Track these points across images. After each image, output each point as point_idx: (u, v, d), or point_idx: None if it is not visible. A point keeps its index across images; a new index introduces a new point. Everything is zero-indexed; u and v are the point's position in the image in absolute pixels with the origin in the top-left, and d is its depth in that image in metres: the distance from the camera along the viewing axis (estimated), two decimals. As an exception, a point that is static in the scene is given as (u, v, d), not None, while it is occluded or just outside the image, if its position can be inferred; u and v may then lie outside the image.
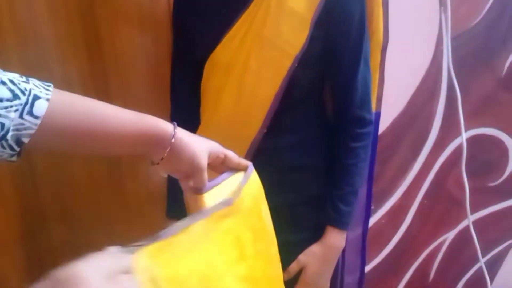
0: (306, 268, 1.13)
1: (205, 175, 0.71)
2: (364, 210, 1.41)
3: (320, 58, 1.03)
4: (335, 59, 1.05)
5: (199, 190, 0.72)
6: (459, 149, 1.66)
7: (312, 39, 0.99)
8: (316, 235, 1.13)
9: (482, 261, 1.84)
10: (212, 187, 0.73)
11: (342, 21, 1.02)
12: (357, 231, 1.42)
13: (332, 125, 1.13)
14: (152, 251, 0.51)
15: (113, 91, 1.29)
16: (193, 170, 0.70)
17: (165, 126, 0.68)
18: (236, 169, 0.79)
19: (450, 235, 1.83)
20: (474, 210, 1.79)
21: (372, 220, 1.72)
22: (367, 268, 1.78)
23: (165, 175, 0.87)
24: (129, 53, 1.30)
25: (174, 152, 0.68)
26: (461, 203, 1.74)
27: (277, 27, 0.99)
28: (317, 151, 1.13)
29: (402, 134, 1.62)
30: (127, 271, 0.47)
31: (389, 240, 1.78)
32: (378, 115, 1.31)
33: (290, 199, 1.11)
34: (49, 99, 0.56)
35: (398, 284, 1.87)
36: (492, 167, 1.76)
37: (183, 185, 0.74)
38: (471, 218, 1.78)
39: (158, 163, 0.70)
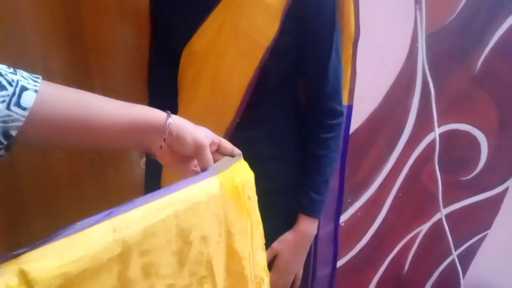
0: (280, 255, 1.16)
1: (209, 152, 0.71)
2: (336, 204, 1.44)
3: (293, 50, 1.06)
4: (307, 50, 1.08)
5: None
6: (432, 144, 1.70)
7: (284, 31, 1.01)
8: (289, 223, 1.16)
9: (454, 254, 1.89)
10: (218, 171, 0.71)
11: (313, 13, 1.05)
12: (330, 225, 1.45)
13: (304, 116, 1.17)
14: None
15: (96, 84, 1.30)
16: (197, 149, 0.69)
17: (158, 113, 0.68)
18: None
19: (424, 228, 1.88)
20: (447, 203, 1.84)
21: (349, 213, 1.76)
22: (344, 260, 1.83)
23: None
24: (111, 46, 1.32)
25: (175, 136, 0.68)
26: (435, 197, 1.78)
27: (250, 18, 1.01)
28: (290, 142, 1.16)
29: (378, 128, 1.66)
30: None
31: (365, 232, 1.83)
32: (350, 108, 1.34)
33: (264, 188, 1.13)
34: (37, 90, 0.54)
35: (373, 275, 1.92)
36: (465, 162, 1.81)
37: (183, 170, 0.73)
38: (445, 211, 1.83)
39: (157, 154, 0.69)
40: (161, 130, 0.67)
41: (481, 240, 1.97)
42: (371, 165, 1.72)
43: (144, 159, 1.41)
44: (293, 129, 1.17)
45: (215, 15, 1.05)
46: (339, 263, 1.81)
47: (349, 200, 1.75)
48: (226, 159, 0.76)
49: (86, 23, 1.25)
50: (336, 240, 1.46)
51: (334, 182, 1.40)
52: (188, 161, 0.74)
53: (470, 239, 1.96)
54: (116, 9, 1.30)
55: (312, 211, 1.15)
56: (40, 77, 0.57)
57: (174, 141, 0.68)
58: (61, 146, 0.72)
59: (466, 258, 1.98)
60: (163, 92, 1.20)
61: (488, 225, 1.95)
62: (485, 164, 1.82)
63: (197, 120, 1.08)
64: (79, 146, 0.71)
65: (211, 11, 1.05)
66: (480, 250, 1.99)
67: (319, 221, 1.36)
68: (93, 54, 1.28)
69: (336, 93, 1.15)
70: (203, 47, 1.07)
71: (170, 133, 0.67)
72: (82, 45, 1.26)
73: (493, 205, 1.92)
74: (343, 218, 1.75)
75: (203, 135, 0.71)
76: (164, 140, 0.67)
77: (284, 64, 1.08)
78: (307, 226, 1.16)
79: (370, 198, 1.76)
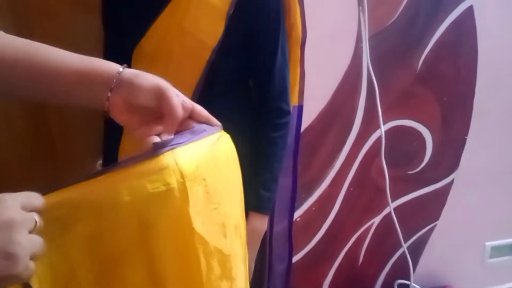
0: None
1: (177, 100, 0.62)
2: (290, 201, 1.49)
3: (240, 50, 1.12)
4: (254, 51, 1.13)
5: (167, 138, 0.60)
6: (380, 139, 1.78)
7: (230, 31, 1.06)
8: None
9: (404, 246, 1.98)
10: (185, 142, 0.62)
11: (258, 15, 1.10)
12: (284, 222, 1.50)
13: (254, 115, 1.22)
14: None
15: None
16: (159, 95, 0.61)
17: (111, 65, 0.63)
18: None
19: (376, 220, 1.96)
20: (396, 197, 1.93)
21: (303, 208, 1.82)
22: (300, 254, 1.89)
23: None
24: (62, 47, 1.34)
25: (126, 84, 0.61)
26: (384, 191, 1.87)
27: (196, 19, 1.06)
28: (241, 139, 1.21)
29: (327, 126, 1.73)
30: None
31: (319, 227, 1.89)
32: (300, 107, 1.40)
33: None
34: None
35: (329, 269, 1.98)
36: (411, 156, 1.90)
37: (144, 134, 0.62)
38: (394, 204, 1.92)
39: (109, 109, 0.61)
40: (110, 76, 0.61)
41: (430, 231, 2.07)
42: (322, 161, 1.78)
43: (100, 161, 1.43)
44: (244, 127, 1.21)
45: (163, 17, 1.09)
46: (296, 257, 1.87)
47: (303, 196, 1.81)
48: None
49: (35, 24, 1.27)
50: (290, 237, 1.51)
51: (287, 180, 1.45)
52: (151, 123, 0.63)
53: (420, 230, 2.05)
54: (67, 10, 1.32)
55: (261, 208, 1.20)
56: None
57: (126, 91, 0.61)
58: (12, 92, 0.62)
59: (417, 249, 2.08)
60: None
61: (436, 216, 2.05)
62: (431, 158, 1.91)
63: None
64: (31, 94, 0.63)
65: (160, 13, 1.09)
66: (429, 240, 2.08)
67: (273, 218, 1.42)
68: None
69: (283, 93, 1.20)
70: (152, 48, 1.11)
71: (120, 83, 0.60)
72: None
73: (440, 197, 2.02)
74: (298, 213, 1.81)
75: (169, 85, 0.63)
76: (111, 90, 0.61)
77: (231, 65, 1.12)
78: (257, 223, 1.21)
79: (323, 194, 1.83)
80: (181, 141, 0.61)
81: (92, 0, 1.30)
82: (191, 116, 0.67)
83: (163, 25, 1.09)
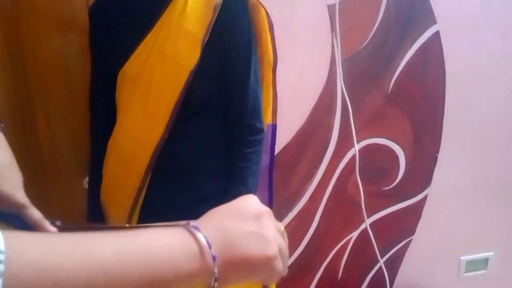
0: None
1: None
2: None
3: (215, 73, 1.22)
4: (227, 74, 1.24)
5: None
6: (354, 157, 1.88)
7: (205, 57, 1.17)
8: None
9: (381, 261, 2.06)
10: None
11: (231, 42, 1.21)
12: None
13: (229, 133, 1.31)
14: None
15: (37, 107, 1.41)
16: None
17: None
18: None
19: (354, 235, 2.04)
20: (372, 211, 2.01)
21: (284, 223, 1.90)
22: (281, 268, 1.96)
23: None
24: (52, 69, 1.44)
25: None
26: (361, 206, 1.96)
27: (175, 45, 1.17)
28: (216, 155, 1.31)
29: (305, 144, 1.83)
30: None
31: (300, 241, 1.97)
32: (274, 126, 1.50)
33: (192, 198, 1.27)
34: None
35: (310, 282, 2.05)
36: (385, 173, 2.00)
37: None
38: (370, 219, 2.00)
39: None
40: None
41: (407, 245, 2.14)
42: (301, 178, 1.88)
43: (86, 179, 1.51)
44: (219, 143, 1.31)
45: (145, 43, 1.20)
46: (277, 271, 1.94)
47: (283, 211, 1.89)
48: None
49: (27, 50, 1.37)
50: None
51: (263, 194, 1.54)
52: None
53: (396, 245, 2.13)
54: (56, 32, 1.42)
55: None
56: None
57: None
58: None
59: (394, 263, 2.15)
60: (105, 112, 1.32)
61: (411, 231, 2.13)
62: (404, 174, 2.01)
63: (129, 136, 1.23)
64: None
65: (142, 40, 1.20)
66: (406, 255, 2.16)
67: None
68: (34, 79, 1.39)
69: (256, 112, 1.30)
70: (134, 71, 1.21)
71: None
72: (23, 71, 1.38)
73: (415, 212, 2.10)
74: (278, 228, 1.89)
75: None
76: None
77: (207, 86, 1.23)
78: None
79: (302, 209, 1.92)
80: None
81: (81, 21, 1.41)
82: None
83: (144, 51, 1.20)
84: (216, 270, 0.44)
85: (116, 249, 0.40)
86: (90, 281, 0.37)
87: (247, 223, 0.49)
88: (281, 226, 0.55)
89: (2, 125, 0.70)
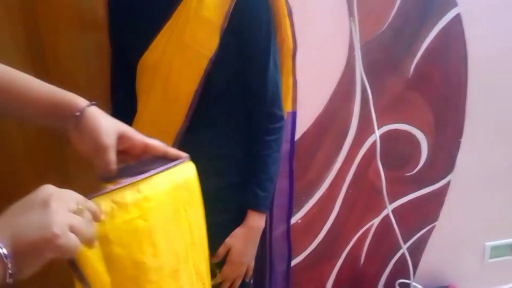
0: (232, 249, 1.29)
1: (109, 155, 0.71)
2: (287, 203, 1.57)
3: (234, 60, 1.22)
4: (247, 62, 1.23)
5: (105, 174, 0.71)
6: (375, 143, 1.87)
7: (224, 44, 1.17)
8: (239, 216, 1.30)
9: (404, 247, 2.05)
10: (133, 177, 0.70)
11: (251, 29, 1.21)
12: (283, 223, 1.58)
13: (249, 120, 1.31)
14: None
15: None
16: (96, 147, 0.70)
17: (77, 101, 0.71)
18: (166, 158, 0.78)
19: (376, 222, 2.03)
20: (394, 198, 2.00)
21: (304, 211, 1.90)
22: (302, 256, 1.96)
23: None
24: (72, 62, 1.45)
25: (79, 125, 0.70)
26: (382, 192, 1.94)
27: (194, 33, 1.17)
28: (236, 142, 1.31)
29: (324, 131, 1.82)
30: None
31: (320, 228, 1.97)
32: (294, 114, 1.49)
33: (214, 185, 1.27)
34: None
35: (332, 269, 2.05)
36: (407, 159, 1.98)
37: (96, 163, 0.73)
38: (392, 205, 1.99)
39: (71, 140, 0.71)
40: (70, 115, 0.70)
41: (430, 231, 2.13)
42: (321, 165, 1.87)
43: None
44: (239, 130, 1.31)
45: (164, 31, 1.20)
46: (299, 258, 1.95)
47: (303, 198, 1.89)
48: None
49: (46, 40, 1.38)
50: (289, 236, 1.59)
51: (284, 183, 1.54)
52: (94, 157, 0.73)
53: (419, 231, 2.11)
54: (75, 25, 1.43)
55: (258, 206, 1.29)
56: None
57: (78, 130, 0.70)
58: None
59: (417, 249, 2.14)
60: (124, 101, 1.33)
61: (434, 217, 2.11)
62: (426, 160, 1.99)
63: (150, 125, 1.23)
64: (4, 113, 0.73)
65: (161, 29, 1.20)
66: (429, 241, 2.14)
67: (272, 219, 1.51)
68: (54, 72, 1.41)
69: (276, 100, 1.30)
70: (154, 60, 1.22)
71: (77, 121, 0.70)
72: (44, 64, 1.39)
73: (438, 198, 2.08)
74: (299, 215, 1.89)
75: (109, 133, 0.72)
76: (71, 127, 0.70)
77: (227, 73, 1.23)
78: (255, 220, 1.30)
79: (322, 196, 1.91)
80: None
81: (99, 17, 1.42)
82: (146, 150, 0.78)
83: (163, 39, 1.20)
84: (9, 266, 0.49)
85: None
86: None
87: (31, 212, 0.53)
88: (88, 202, 0.60)
89: (94, 103, 0.74)
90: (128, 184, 0.67)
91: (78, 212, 0.56)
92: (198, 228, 0.85)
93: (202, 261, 0.88)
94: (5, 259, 0.49)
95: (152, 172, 0.72)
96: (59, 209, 0.53)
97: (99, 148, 0.70)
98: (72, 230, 0.53)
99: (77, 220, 0.55)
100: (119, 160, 0.73)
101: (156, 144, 0.78)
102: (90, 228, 0.57)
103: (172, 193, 0.76)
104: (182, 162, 0.80)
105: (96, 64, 1.46)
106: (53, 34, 1.41)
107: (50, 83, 1.42)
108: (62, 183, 0.59)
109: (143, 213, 0.68)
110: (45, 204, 0.53)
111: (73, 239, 0.53)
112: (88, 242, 0.57)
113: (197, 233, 0.84)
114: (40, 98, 0.71)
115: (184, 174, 0.81)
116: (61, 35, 1.43)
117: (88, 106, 0.72)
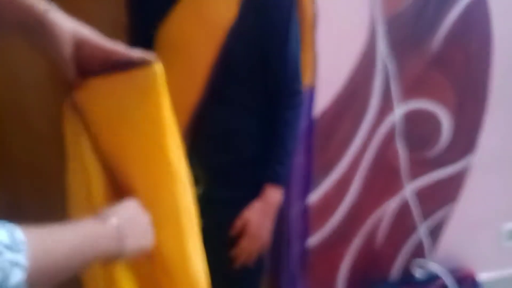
0: (249, 222, 1.28)
1: (66, 67, 0.71)
2: (305, 184, 1.56)
3: (253, 33, 1.20)
4: (267, 35, 1.21)
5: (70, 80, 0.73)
6: (395, 122, 1.84)
7: (243, 16, 1.15)
8: (250, 193, 1.29)
9: (421, 227, 2.03)
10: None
11: (270, 2, 1.19)
12: (301, 200, 1.57)
13: (268, 94, 1.29)
14: None
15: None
16: (55, 59, 0.70)
17: (38, 7, 0.67)
18: (130, 62, 0.75)
19: (393, 202, 2.00)
20: (413, 178, 1.97)
21: (321, 190, 1.88)
22: (319, 235, 1.95)
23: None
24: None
25: (36, 35, 0.68)
26: (401, 172, 1.92)
27: (212, 4, 1.16)
28: (254, 118, 1.29)
29: (344, 108, 1.79)
30: None
31: (337, 208, 1.95)
32: (313, 90, 1.47)
33: (227, 160, 1.27)
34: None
35: (348, 249, 2.04)
36: (427, 138, 1.94)
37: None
38: (412, 185, 1.97)
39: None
40: (31, 26, 0.68)
41: (448, 212, 2.10)
42: (339, 143, 1.85)
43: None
44: (260, 107, 1.29)
45: (181, 4, 1.18)
46: (315, 239, 1.94)
47: (321, 177, 1.87)
48: None
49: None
50: (306, 217, 1.58)
51: (302, 160, 1.52)
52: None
53: (437, 212, 2.08)
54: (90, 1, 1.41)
55: (275, 180, 1.28)
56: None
57: (38, 43, 0.70)
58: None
59: (436, 230, 2.11)
60: None
61: (453, 198, 2.08)
62: (447, 140, 1.95)
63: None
64: None
65: (177, 1, 1.18)
66: (447, 222, 2.11)
67: (289, 197, 1.50)
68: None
69: (295, 75, 1.28)
70: (172, 33, 1.20)
71: (34, 33, 0.68)
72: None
73: (457, 179, 2.05)
74: (316, 195, 1.87)
75: (62, 46, 0.70)
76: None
77: (246, 46, 1.21)
78: (273, 194, 1.29)
79: (340, 175, 1.89)
80: None
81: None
82: (107, 57, 0.75)
83: (182, 12, 1.18)
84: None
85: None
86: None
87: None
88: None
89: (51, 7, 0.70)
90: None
91: None
92: None
93: None
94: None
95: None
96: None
97: (57, 60, 0.70)
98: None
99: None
100: (79, 68, 0.73)
101: (116, 49, 0.75)
102: None
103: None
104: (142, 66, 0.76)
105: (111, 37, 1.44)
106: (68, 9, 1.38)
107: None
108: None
109: None
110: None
111: None
112: None
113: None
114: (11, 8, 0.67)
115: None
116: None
117: (45, 12, 0.67)
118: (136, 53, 0.76)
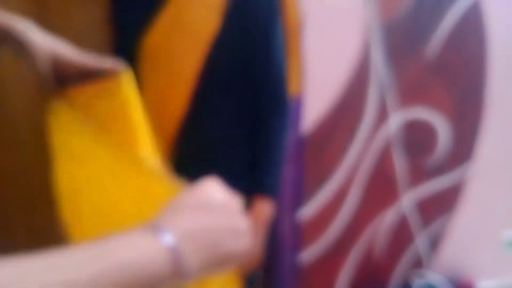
0: None
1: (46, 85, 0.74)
2: (296, 196, 1.52)
3: (237, 42, 1.16)
4: (250, 42, 1.18)
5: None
6: (391, 131, 1.80)
7: (226, 24, 1.12)
8: (245, 204, 1.25)
9: (419, 237, 1.99)
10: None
11: (253, 8, 1.16)
12: (291, 217, 1.54)
13: (253, 103, 1.26)
14: None
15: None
16: (35, 75, 0.74)
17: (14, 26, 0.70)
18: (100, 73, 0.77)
19: (391, 212, 1.97)
20: (411, 187, 1.94)
21: (316, 202, 1.85)
22: (316, 249, 1.91)
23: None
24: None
25: (16, 53, 0.72)
26: (397, 182, 1.88)
27: (195, 14, 1.13)
28: (240, 128, 1.25)
29: (338, 117, 1.76)
30: None
31: (333, 219, 1.91)
32: (301, 97, 1.44)
33: (215, 171, 1.22)
34: None
35: (346, 261, 2.00)
36: (425, 147, 1.92)
37: None
38: (409, 195, 1.93)
39: None
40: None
41: (447, 222, 2.06)
42: (334, 153, 1.81)
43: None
44: (246, 116, 1.26)
45: (163, 14, 1.15)
46: (312, 251, 1.90)
47: (316, 187, 1.84)
48: None
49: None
50: (298, 229, 1.54)
51: (292, 171, 1.48)
52: None
53: (436, 221, 2.05)
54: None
55: (264, 191, 1.24)
56: None
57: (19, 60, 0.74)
58: None
59: (434, 239, 2.07)
60: None
61: (452, 206, 2.05)
62: (445, 148, 1.92)
63: (152, 112, 1.18)
64: None
65: (160, 11, 1.16)
66: (446, 231, 2.08)
67: (281, 211, 1.46)
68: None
69: (280, 82, 1.24)
70: (155, 44, 1.17)
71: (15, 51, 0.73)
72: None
73: (455, 188, 2.01)
74: (313, 207, 1.84)
75: (40, 65, 0.72)
76: None
77: (230, 56, 1.17)
78: (262, 206, 1.25)
79: (337, 186, 1.85)
80: None
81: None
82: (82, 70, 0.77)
83: (164, 21, 1.15)
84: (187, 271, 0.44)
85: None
86: None
87: (216, 218, 0.49)
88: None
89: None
90: None
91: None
92: None
93: None
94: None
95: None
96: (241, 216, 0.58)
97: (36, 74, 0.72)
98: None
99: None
100: (58, 81, 0.75)
101: (86, 62, 0.76)
102: None
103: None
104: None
105: (96, 48, 1.41)
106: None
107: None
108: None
109: None
110: (226, 207, 0.54)
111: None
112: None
113: None
114: None
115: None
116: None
117: (23, 32, 0.70)
118: (106, 63, 0.78)
